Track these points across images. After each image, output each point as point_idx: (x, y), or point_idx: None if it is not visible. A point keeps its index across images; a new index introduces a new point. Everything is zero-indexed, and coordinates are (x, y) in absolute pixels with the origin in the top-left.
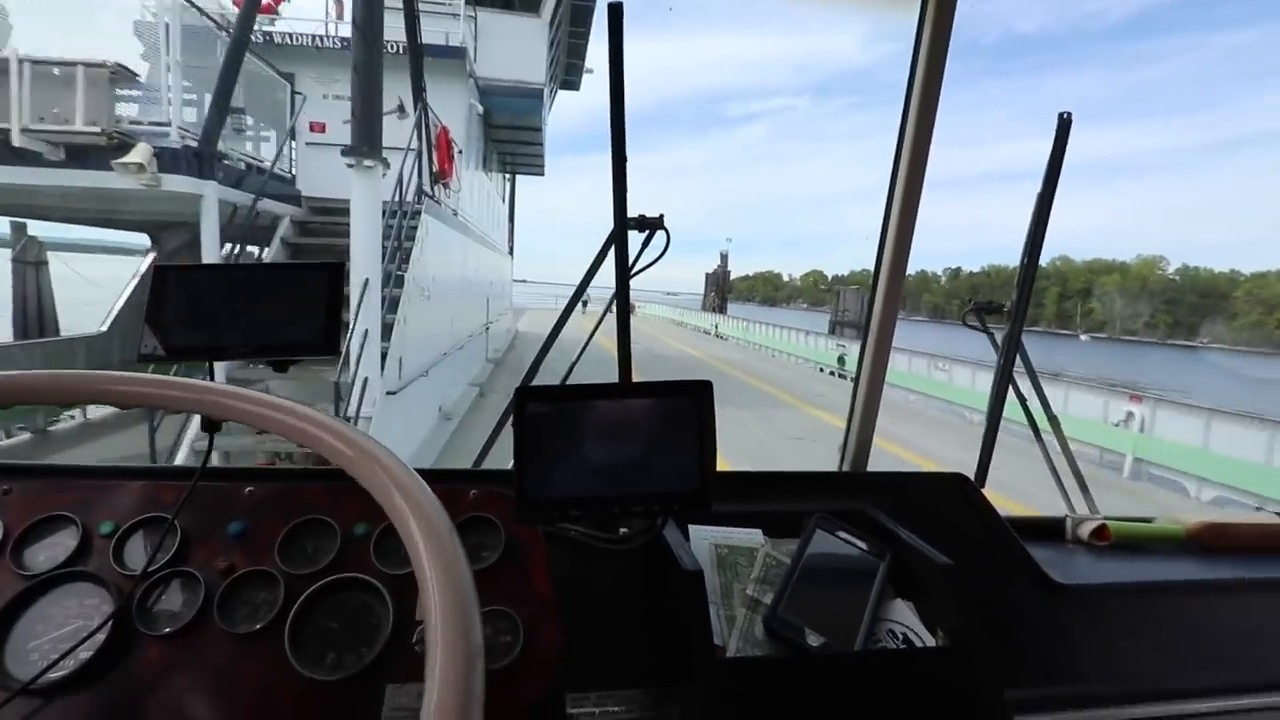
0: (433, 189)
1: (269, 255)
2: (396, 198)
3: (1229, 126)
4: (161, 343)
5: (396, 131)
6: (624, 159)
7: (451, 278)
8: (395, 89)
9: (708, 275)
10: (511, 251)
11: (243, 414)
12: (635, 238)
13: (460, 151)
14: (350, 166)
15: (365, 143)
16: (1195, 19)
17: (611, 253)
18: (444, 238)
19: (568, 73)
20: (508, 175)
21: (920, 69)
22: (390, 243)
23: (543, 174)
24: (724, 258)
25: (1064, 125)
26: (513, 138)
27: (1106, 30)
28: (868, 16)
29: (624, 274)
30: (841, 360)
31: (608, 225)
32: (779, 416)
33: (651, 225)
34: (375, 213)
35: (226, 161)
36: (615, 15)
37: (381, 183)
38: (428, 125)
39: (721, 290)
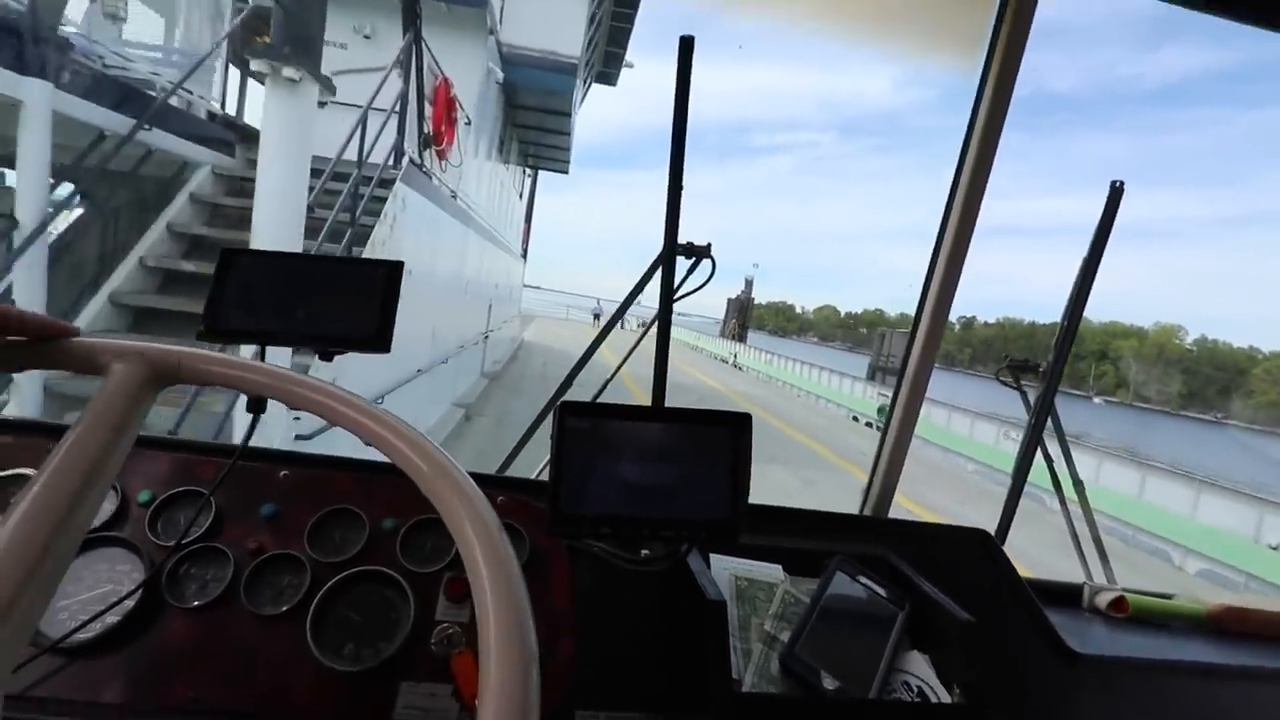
0: (421, 155)
1: (167, 216)
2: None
3: (1249, 201)
4: (219, 324)
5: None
6: (680, 186)
7: (439, 274)
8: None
9: (730, 300)
10: (525, 255)
11: (312, 404)
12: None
13: (469, 122)
14: (261, 79)
15: (288, 42)
16: (1225, 94)
17: (658, 276)
18: (429, 220)
19: (605, 63)
20: (528, 171)
21: (981, 119)
22: (336, 214)
23: (567, 172)
24: (749, 284)
25: (1115, 193)
26: (538, 123)
27: (1139, 95)
28: (898, 59)
29: (669, 297)
30: (882, 411)
31: (627, 241)
32: (824, 481)
33: (699, 253)
34: (299, 159)
35: (84, 59)
36: (686, 48)
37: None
38: (419, 64)
39: (744, 317)
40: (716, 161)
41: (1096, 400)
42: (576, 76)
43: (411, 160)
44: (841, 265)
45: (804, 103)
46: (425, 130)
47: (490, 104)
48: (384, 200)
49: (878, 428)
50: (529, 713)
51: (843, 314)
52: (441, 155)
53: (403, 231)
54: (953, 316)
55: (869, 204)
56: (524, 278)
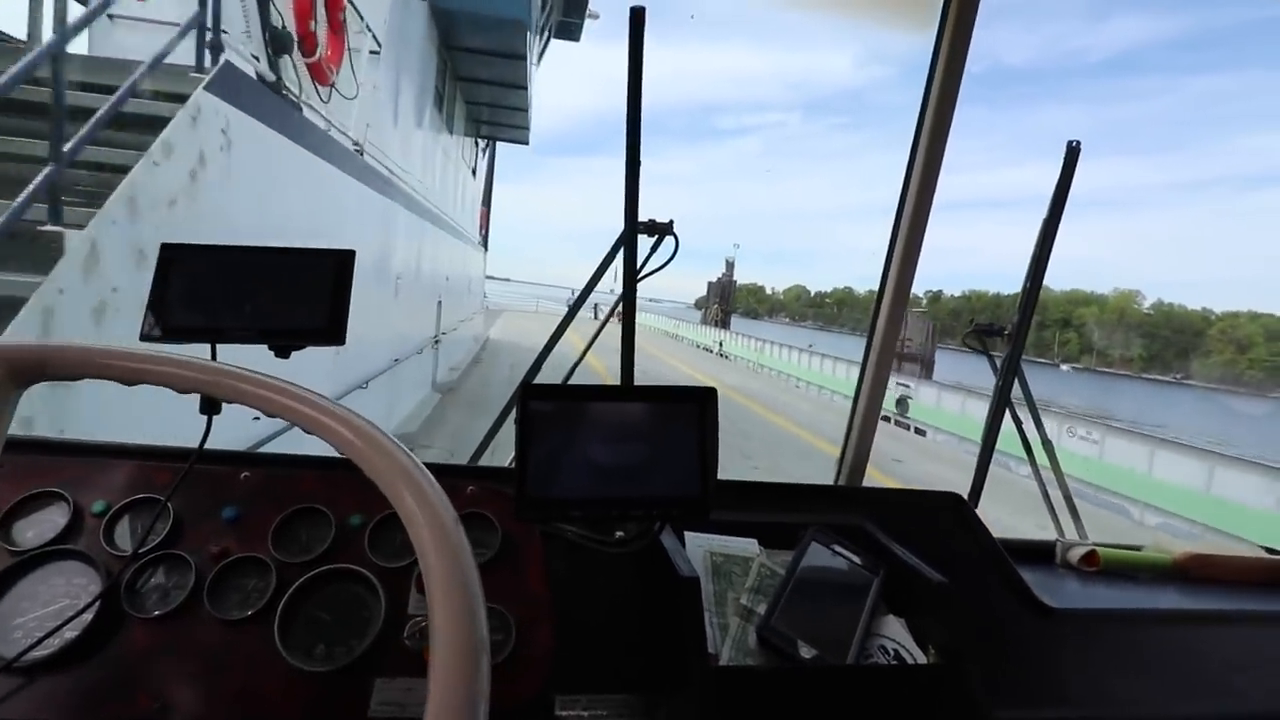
0: (272, 65)
1: None
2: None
3: (1200, 167)
4: (163, 323)
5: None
6: (638, 163)
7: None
8: None
9: (710, 284)
10: (486, 243)
11: (248, 396)
12: (643, 242)
13: (378, 50)
14: None
15: None
16: (1174, 62)
17: (620, 256)
18: (302, 175)
19: (567, 10)
20: (481, 144)
21: (934, 95)
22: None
23: (526, 142)
24: (730, 265)
25: (1072, 153)
26: (489, 75)
27: (1090, 68)
28: (859, 37)
29: (632, 277)
30: (902, 404)
31: (597, 227)
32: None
33: (661, 230)
34: None
35: None
36: (637, 19)
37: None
38: None
39: (726, 302)
40: (685, 144)
41: (1064, 368)
42: (529, 17)
43: (259, 75)
44: (810, 244)
45: (769, 84)
46: (279, 25)
47: (414, 34)
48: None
49: (900, 422)
50: (476, 702)
51: (812, 293)
52: (320, 77)
53: (228, 185)
54: (919, 290)
55: (835, 182)
56: (485, 269)
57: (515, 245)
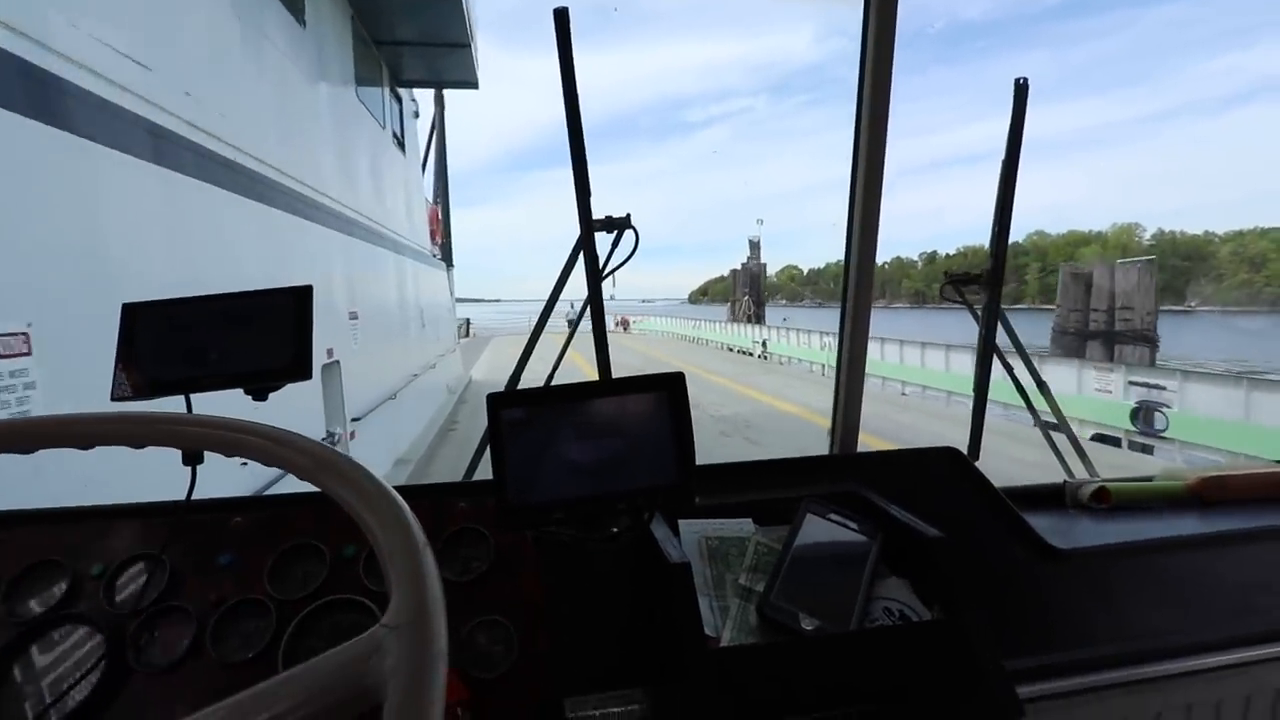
0: None
1: None
2: None
3: (1167, 97)
4: (133, 381)
5: None
6: (584, 161)
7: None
8: None
9: (735, 272)
10: (447, 257)
11: (215, 441)
12: (603, 241)
13: None
14: None
15: None
16: None
17: (581, 257)
18: None
19: None
20: (413, 101)
21: (869, 59)
22: None
23: (476, 84)
24: (755, 247)
25: (1021, 91)
26: None
27: (1047, 11)
28: (815, 12)
29: (594, 276)
30: (1141, 417)
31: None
32: None
33: (619, 226)
34: None
35: None
36: (562, 21)
37: None
38: None
39: (757, 291)
40: (655, 142)
41: None
42: None
43: None
44: (795, 224)
45: (732, 71)
46: None
47: None
48: None
49: (1137, 442)
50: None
51: (805, 271)
52: None
53: None
54: (913, 253)
55: (812, 158)
56: (451, 291)
57: (499, 267)
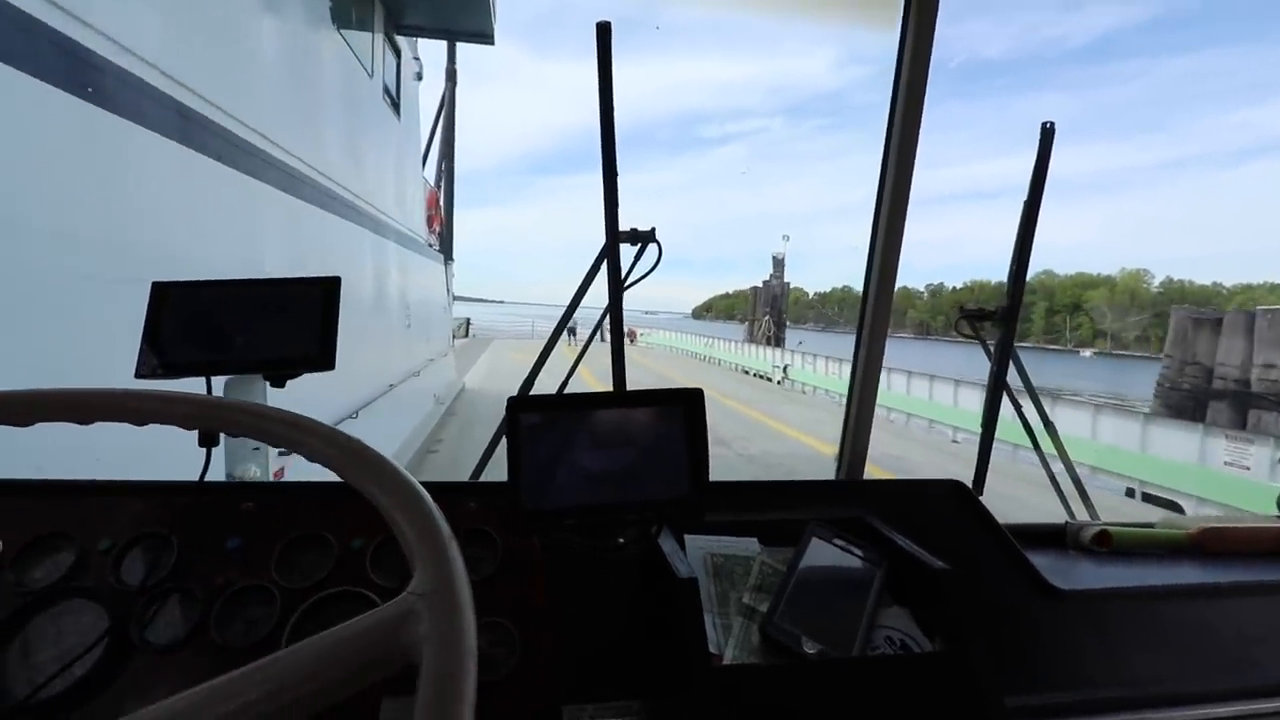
0: None
1: None
2: None
3: (1184, 145)
4: (159, 361)
5: None
6: (615, 173)
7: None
8: None
9: (756, 290)
10: (447, 250)
11: (243, 426)
12: (626, 252)
13: None
14: None
15: None
16: (1150, 44)
17: (604, 267)
18: None
19: None
20: (416, 58)
21: (902, 89)
22: None
23: (491, 39)
24: (779, 265)
25: (1047, 134)
26: None
27: (1068, 55)
28: (834, 38)
29: (617, 287)
30: None
31: (595, 243)
32: None
33: (643, 239)
34: None
35: None
36: (604, 34)
37: None
38: None
39: (778, 311)
40: (672, 156)
41: (1085, 353)
42: None
43: None
44: (803, 247)
45: (751, 91)
46: None
47: None
48: None
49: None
50: (463, 706)
51: (810, 295)
52: None
53: None
54: (919, 284)
55: (824, 182)
56: (450, 287)
57: (505, 268)
